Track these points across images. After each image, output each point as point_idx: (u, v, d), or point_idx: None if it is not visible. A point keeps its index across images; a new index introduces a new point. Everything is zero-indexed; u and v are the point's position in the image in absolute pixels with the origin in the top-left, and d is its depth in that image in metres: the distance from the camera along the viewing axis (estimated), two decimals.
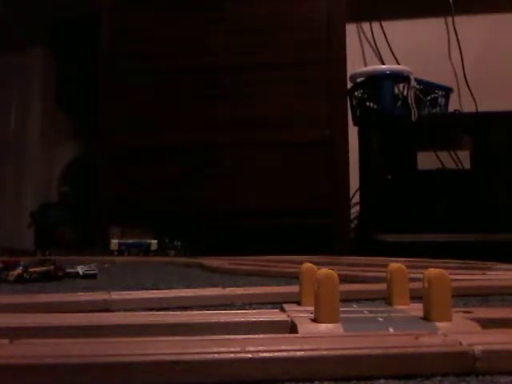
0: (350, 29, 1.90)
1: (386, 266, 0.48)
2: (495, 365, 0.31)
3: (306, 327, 0.37)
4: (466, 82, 1.88)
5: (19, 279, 0.80)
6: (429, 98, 1.56)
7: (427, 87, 1.57)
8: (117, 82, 1.64)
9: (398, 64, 1.82)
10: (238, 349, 0.31)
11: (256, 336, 0.34)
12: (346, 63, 1.55)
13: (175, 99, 1.61)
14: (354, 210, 1.71)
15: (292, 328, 0.39)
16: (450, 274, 0.39)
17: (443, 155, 1.65)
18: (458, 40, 1.91)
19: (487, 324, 0.38)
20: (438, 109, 1.59)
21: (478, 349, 0.31)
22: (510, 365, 0.31)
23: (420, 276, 0.40)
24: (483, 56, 1.91)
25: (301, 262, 0.53)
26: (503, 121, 1.45)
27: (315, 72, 1.56)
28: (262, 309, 0.50)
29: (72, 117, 2.11)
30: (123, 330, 0.39)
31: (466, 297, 0.63)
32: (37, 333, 0.38)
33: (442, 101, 1.60)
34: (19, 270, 0.81)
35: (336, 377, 0.30)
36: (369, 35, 1.98)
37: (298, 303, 0.47)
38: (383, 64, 1.89)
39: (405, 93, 1.51)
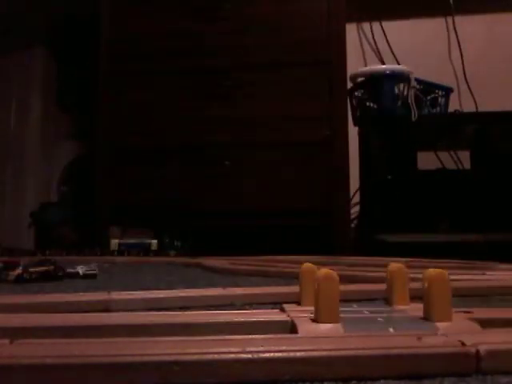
0: (350, 29, 1.90)
1: (385, 266, 0.48)
2: (500, 364, 0.31)
3: (306, 327, 0.37)
4: (466, 81, 1.88)
5: (19, 279, 0.79)
6: (429, 97, 1.56)
7: (427, 87, 1.57)
8: (117, 82, 1.64)
9: (398, 64, 1.82)
10: (238, 349, 0.30)
11: (256, 336, 0.34)
12: (346, 63, 1.55)
13: (175, 99, 1.61)
14: (354, 210, 1.71)
15: (292, 328, 0.39)
16: (450, 273, 0.39)
17: (443, 155, 1.65)
18: (458, 40, 1.91)
19: (487, 324, 0.38)
20: (438, 109, 1.59)
21: (483, 348, 0.31)
22: None
23: (420, 276, 0.40)
24: (483, 56, 1.91)
25: (301, 262, 0.53)
26: (503, 121, 1.45)
27: (315, 72, 1.55)
28: (261, 309, 0.50)
29: (72, 117, 2.11)
30: (123, 330, 0.39)
31: (465, 297, 0.63)
32: (37, 333, 0.38)
33: (442, 101, 1.60)
34: (19, 270, 0.81)
35: (336, 377, 0.30)
36: (369, 35, 1.98)
37: (298, 303, 0.47)
38: (383, 64, 1.89)
39: (405, 93, 1.51)
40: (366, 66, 1.91)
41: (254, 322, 0.40)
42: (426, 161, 1.51)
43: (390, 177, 1.45)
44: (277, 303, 0.51)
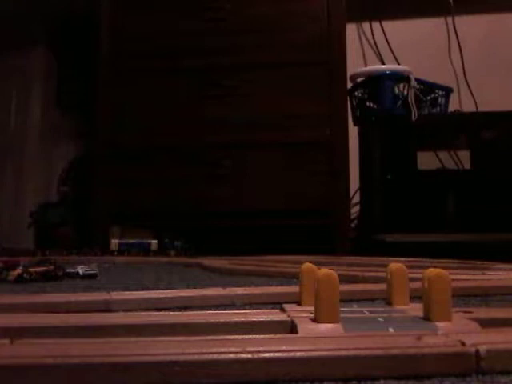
0: (350, 29, 1.90)
1: (385, 266, 0.48)
2: (500, 364, 0.31)
3: (306, 327, 0.37)
4: (466, 81, 1.88)
5: (19, 279, 0.79)
6: (429, 97, 1.56)
7: (427, 87, 1.57)
8: (116, 82, 1.64)
9: (398, 64, 1.82)
10: (238, 349, 0.30)
11: (256, 336, 0.34)
12: (346, 63, 1.55)
13: (175, 99, 1.61)
14: (354, 210, 1.71)
15: (292, 328, 0.39)
16: (450, 273, 0.39)
17: (443, 155, 1.65)
18: (458, 40, 1.91)
19: (487, 324, 0.38)
20: (437, 109, 1.59)
21: (483, 348, 0.31)
22: None
23: (420, 276, 0.40)
24: (483, 56, 1.91)
25: (301, 262, 0.53)
26: (503, 121, 1.45)
27: (315, 72, 1.55)
28: (262, 309, 0.50)
29: (72, 117, 2.11)
30: (123, 330, 0.39)
31: (465, 297, 0.63)
32: (37, 333, 0.38)
33: (441, 101, 1.60)
34: (19, 270, 0.81)
35: (336, 377, 0.30)
36: (369, 35, 1.98)
37: (298, 303, 0.47)
38: (383, 64, 1.89)
39: (405, 93, 1.51)
40: (366, 65, 1.92)
41: (253, 322, 0.40)
42: (426, 161, 1.51)
43: (389, 177, 1.45)
44: (277, 303, 0.51)
